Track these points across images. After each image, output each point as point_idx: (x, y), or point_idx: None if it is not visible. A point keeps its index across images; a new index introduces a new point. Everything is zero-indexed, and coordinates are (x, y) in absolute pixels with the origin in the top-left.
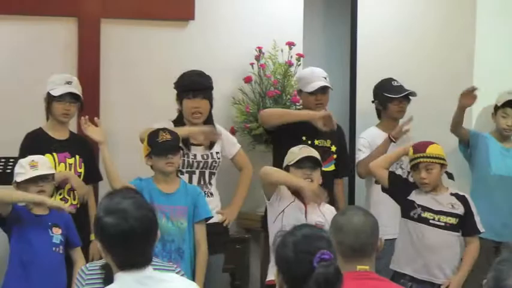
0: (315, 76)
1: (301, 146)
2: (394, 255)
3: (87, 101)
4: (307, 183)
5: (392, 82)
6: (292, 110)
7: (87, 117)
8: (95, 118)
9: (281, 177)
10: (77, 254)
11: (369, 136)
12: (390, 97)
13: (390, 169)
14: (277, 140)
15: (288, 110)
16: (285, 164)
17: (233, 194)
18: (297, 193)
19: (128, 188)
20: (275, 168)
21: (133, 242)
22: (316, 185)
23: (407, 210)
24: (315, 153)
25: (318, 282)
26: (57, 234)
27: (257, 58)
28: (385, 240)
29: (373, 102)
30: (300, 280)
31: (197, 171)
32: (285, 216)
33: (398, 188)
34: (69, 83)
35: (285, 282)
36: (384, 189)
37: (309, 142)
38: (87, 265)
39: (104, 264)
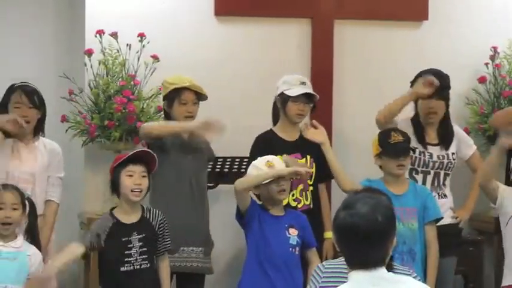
0: None
1: None
2: None
3: (320, 101)
4: None
5: None
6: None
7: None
8: (313, 121)
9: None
10: (313, 254)
11: None
12: None
13: None
14: None
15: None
16: None
17: (464, 196)
18: None
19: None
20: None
21: (358, 240)
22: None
23: None
24: None
25: None
26: (293, 235)
27: (492, 58)
28: None
29: None
30: None
31: (432, 172)
32: None
33: None
34: (303, 83)
35: None
36: None
37: None
38: (324, 263)
39: None
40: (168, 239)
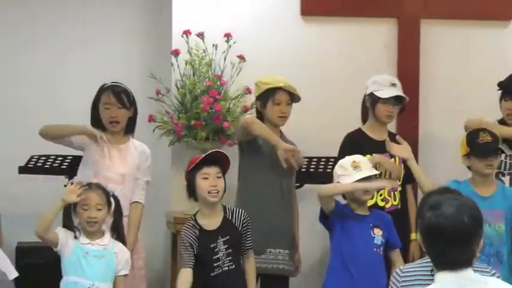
0: None
1: None
2: None
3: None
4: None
5: None
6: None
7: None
8: (397, 136)
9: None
10: (396, 255)
11: None
12: None
13: None
14: None
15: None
16: None
17: None
18: None
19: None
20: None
21: (444, 241)
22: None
23: None
24: None
25: None
26: (378, 235)
27: None
28: None
29: None
30: None
31: None
32: None
33: None
34: (394, 85)
35: None
36: None
37: None
38: (402, 267)
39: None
40: (250, 238)
